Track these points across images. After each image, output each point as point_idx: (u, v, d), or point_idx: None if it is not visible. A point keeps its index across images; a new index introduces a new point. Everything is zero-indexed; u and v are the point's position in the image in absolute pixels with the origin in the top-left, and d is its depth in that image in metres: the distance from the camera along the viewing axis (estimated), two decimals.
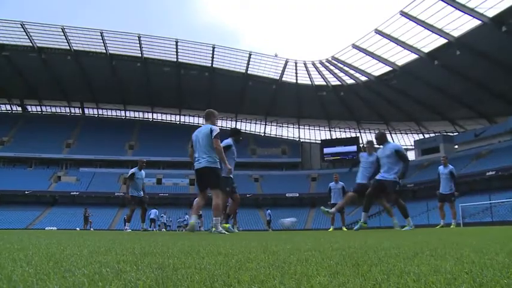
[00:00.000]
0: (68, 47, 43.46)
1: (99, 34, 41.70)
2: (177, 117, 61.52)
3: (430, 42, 36.37)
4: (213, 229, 6.21)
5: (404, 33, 36.67)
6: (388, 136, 55.84)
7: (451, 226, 10.47)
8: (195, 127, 65.01)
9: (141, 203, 10.34)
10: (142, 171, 10.47)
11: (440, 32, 34.79)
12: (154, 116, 61.58)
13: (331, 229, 12.04)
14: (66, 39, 42.21)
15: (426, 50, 37.19)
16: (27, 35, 41.68)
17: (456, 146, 47.04)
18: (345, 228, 12.34)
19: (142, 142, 55.17)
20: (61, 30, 41.12)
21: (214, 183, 6.21)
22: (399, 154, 7.68)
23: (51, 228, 33.78)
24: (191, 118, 61.73)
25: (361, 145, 56.55)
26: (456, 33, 34.10)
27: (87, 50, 44.23)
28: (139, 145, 54.92)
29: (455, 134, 49.96)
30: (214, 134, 6.16)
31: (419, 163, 46.25)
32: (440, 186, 10.90)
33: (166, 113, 61.15)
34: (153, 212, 22.51)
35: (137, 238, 4.60)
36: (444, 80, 39.58)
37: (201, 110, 58.89)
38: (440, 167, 11.00)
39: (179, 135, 54.27)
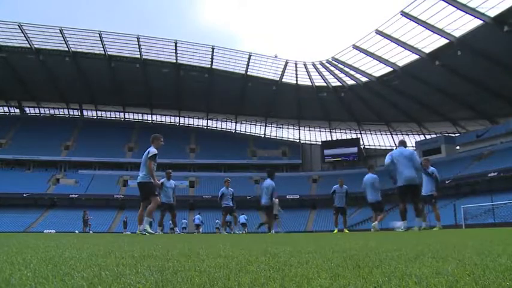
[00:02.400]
0: (66, 49, 43.44)
1: (98, 35, 41.71)
2: (177, 118, 61.56)
3: (431, 43, 36.37)
4: (139, 229, 8.01)
5: (405, 34, 36.68)
6: (389, 138, 56.01)
7: (435, 228, 10.42)
8: (195, 129, 64.90)
9: (171, 208, 11.61)
10: (171, 181, 11.77)
11: (441, 32, 34.79)
12: (154, 117, 61.59)
13: (335, 231, 12.16)
14: (64, 40, 42.18)
15: (427, 50, 37.19)
16: (24, 36, 41.70)
17: (458, 147, 47.00)
18: (346, 231, 12.43)
19: (141, 144, 54.96)
20: (59, 31, 41.06)
21: (147, 194, 8.05)
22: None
23: (50, 231, 33.61)
24: (191, 120, 61.73)
25: (362, 146, 56.62)
26: (457, 33, 34.08)
27: (86, 51, 44.19)
28: (139, 147, 54.76)
29: (456, 134, 49.92)
30: (149, 155, 8.01)
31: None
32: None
33: (165, 115, 61.14)
34: (196, 218, 26.39)
35: (136, 241, 4.60)
36: (445, 81, 39.57)
37: (200, 111, 59.06)
38: (424, 170, 11.05)
39: (178, 136, 54.30)
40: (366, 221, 41.21)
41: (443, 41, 35.50)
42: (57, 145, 53.41)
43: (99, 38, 41.99)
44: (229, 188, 12.98)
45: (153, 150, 8.12)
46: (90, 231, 24.78)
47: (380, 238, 4.85)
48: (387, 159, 8.93)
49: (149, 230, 7.97)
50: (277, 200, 14.37)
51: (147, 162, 8.06)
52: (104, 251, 2.54)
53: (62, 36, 41.66)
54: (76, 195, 46.32)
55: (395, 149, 9.39)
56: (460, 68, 37.44)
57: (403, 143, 9.44)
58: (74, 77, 48.45)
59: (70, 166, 52.26)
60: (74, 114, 60.53)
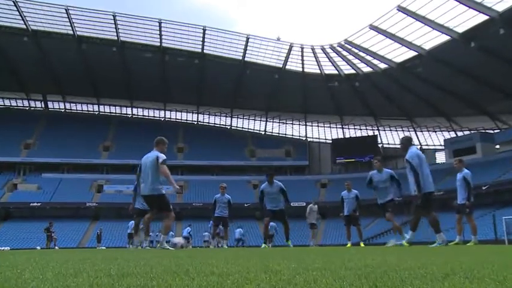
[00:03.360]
0: (25, 26, 42.95)
1: (64, 11, 41.41)
2: (162, 112, 61.50)
3: (466, 20, 36.02)
4: (158, 245, 8.24)
5: (433, 10, 36.51)
6: (412, 135, 55.91)
7: (470, 243, 10.40)
8: (184, 124, 64.61)
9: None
10: None
11: (479, 7, 34.46)
12: (134, 111, 61.55)
13: (349, 245, 12.25)
14: (20, 15, 41.62)
15: (460, 29, 37.00)
16: None
17: (497, 146, 46.92)
18: (362, 244, 12.52)
19: (119, 142, 55.02)
20: (13, 3, 40.16)
21: (161, 207, 8.25)
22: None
23: (3, 248, 33.37)
24: (178, 114, 61.69)
25: (380, 145, 56.65)
26: (500, 8, 33.73)
27: (49, 30, 43.85)
28: (116, 146, 54.77)
29: (496, 131, 49.86)
30: (160, 160, 8.06)
31: (450, 166, 46.00)
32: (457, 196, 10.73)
33: (148, 108, 61.12)
34: (185, 231, 27.32)
35: (114, 257, 4.60)
36: (482, 66, 39.21)
37: (190, 104, 59.02)
38: (458, 174, 11.01)
39: (164, 134, 53.70)
40: (384, 233, 41.27)
41: (482, 18, 35.21)
42: (16, 143, 53.16)
43: (66, 15, 41.72)
44: (225, 195, 13.02)
45: (161, 154, 8.18)
46: (56, 247, 24.71)
47: (401, 254, 4.86)
48: (417, 159, 8.58)
49: (167, 246, 8.29)
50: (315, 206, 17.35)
51: (156, 168, 8.05)
52: (73, 270, 2.54)
53: (18, 11, 41.06)
54: (38, 204, 45.95)
55: (412, 147, 8.98)
56: (502, 51, 37.20)
57: (412, 141, 9.33)
58: (35, 62, 48.00)
59: (31, 169, 52.03)
60: (36, 107, 60.40)
